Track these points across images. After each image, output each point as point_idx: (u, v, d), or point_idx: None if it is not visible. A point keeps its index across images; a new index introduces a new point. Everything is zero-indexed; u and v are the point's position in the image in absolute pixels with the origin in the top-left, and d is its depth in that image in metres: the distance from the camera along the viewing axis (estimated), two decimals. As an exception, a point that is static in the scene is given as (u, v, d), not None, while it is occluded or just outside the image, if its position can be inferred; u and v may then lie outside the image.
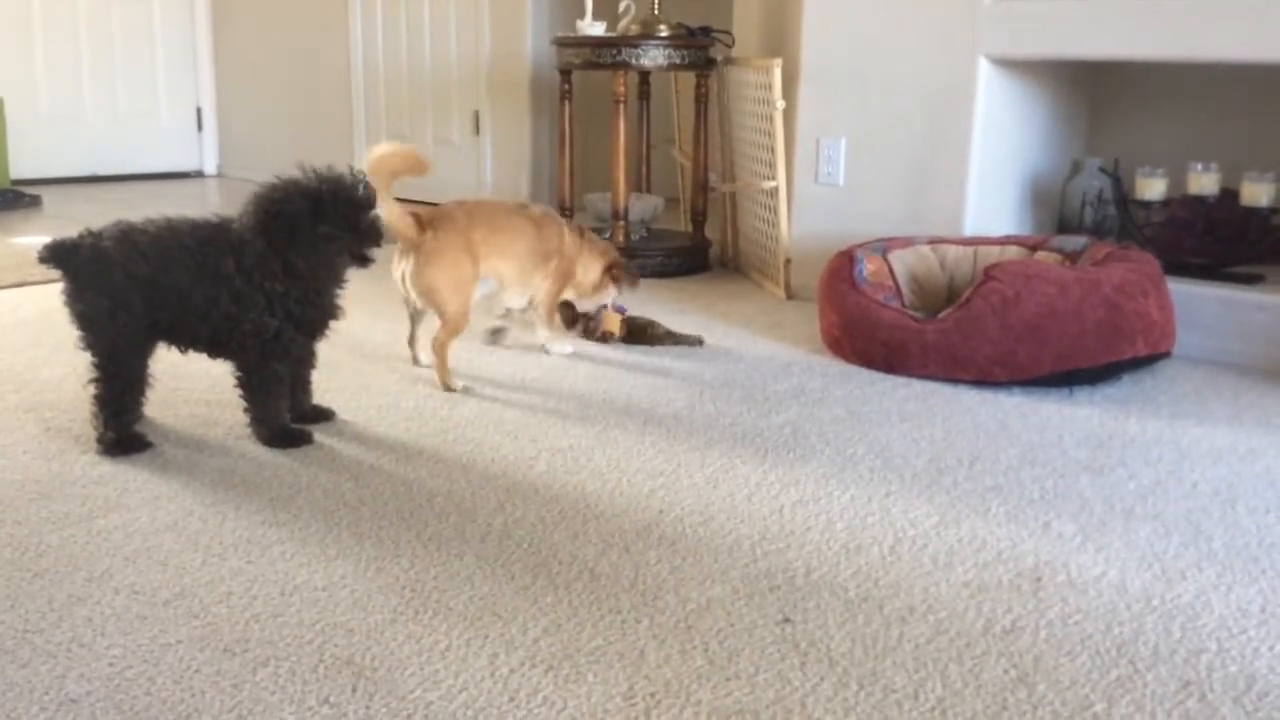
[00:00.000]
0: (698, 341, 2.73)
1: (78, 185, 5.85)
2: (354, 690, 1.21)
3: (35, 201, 5.04)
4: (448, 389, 2.34)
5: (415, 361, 2.52)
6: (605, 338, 2.72)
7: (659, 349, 2.69)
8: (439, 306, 2.36)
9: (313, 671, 1.25)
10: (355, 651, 1.29)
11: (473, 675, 1.24)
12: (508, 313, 2.67)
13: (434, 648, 1.30)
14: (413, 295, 2.38)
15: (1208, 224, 2.78)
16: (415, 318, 2.51)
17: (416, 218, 2.34)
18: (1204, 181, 2.78)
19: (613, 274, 2.66)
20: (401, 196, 2.30)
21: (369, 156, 2.23)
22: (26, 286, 3.28)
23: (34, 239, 4.13)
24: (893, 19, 3.05)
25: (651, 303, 3.21)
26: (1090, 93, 3.31)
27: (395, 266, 2.38)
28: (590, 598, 1.43)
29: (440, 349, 2.35)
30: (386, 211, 2.18)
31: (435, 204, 2.48)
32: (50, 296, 3.15)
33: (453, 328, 2.36)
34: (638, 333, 2.73)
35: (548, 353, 2.63)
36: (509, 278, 2.49)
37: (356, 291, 3.25)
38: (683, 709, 1.19)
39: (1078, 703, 1.21)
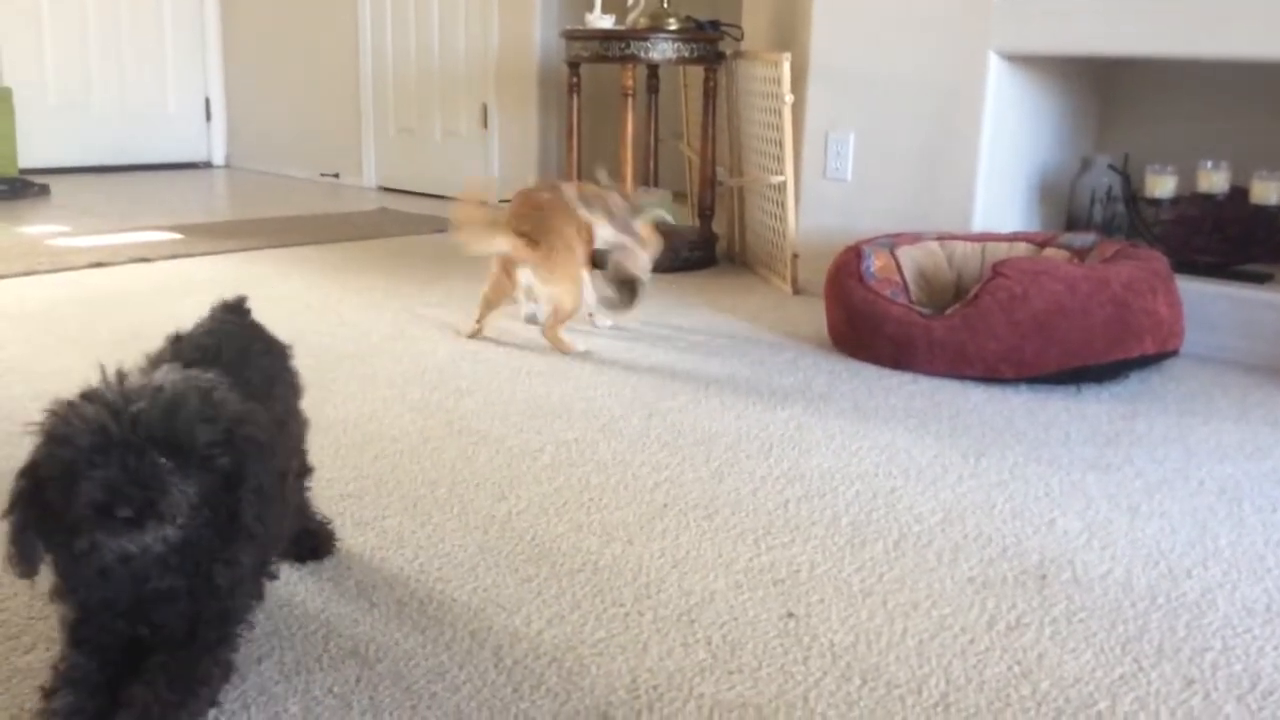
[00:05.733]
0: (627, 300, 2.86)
1: (86, 175, 5.86)
2: (359, 681, 1.21)
3: (44, 191, 5.06)
4: (568, 352, 2.59)
5: (475, 332, 2.68)
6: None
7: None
8: (562, 306, 2.60)
9: (316, 662, 1.25)
10: (359, 643, 1.29)
11: (477, 667, 1.25)
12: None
13: (439, 639, 1.30)
14: (543, 304, 2.60)
15: (1217, 222, 2.77)
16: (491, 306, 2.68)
17: (525, 238, 2.53)
18: (1214, 179, 2.77)
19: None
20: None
21: (461, 226, 2.48)
22: (34, 276, 3.29)
23: (42, 228, 4.14)
24: (903, 14, 3.04)
25: (658, 296, 3.21)
26: (1100, 89, 3.30)
27: (511, 280, 2.57)
28: (593, 589, 1.43)
29: (553, 334, 2.60)
30: (506, 246, 2.50)
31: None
32: (57, 286, 3.17)
33: (567, 317, 2.62)
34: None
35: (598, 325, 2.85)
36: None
37: (360, 284, 3.26)
38: (686, 702, 1.19)
39: (1081, 700, 1.21)
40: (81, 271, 3.36)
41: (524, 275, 2.55)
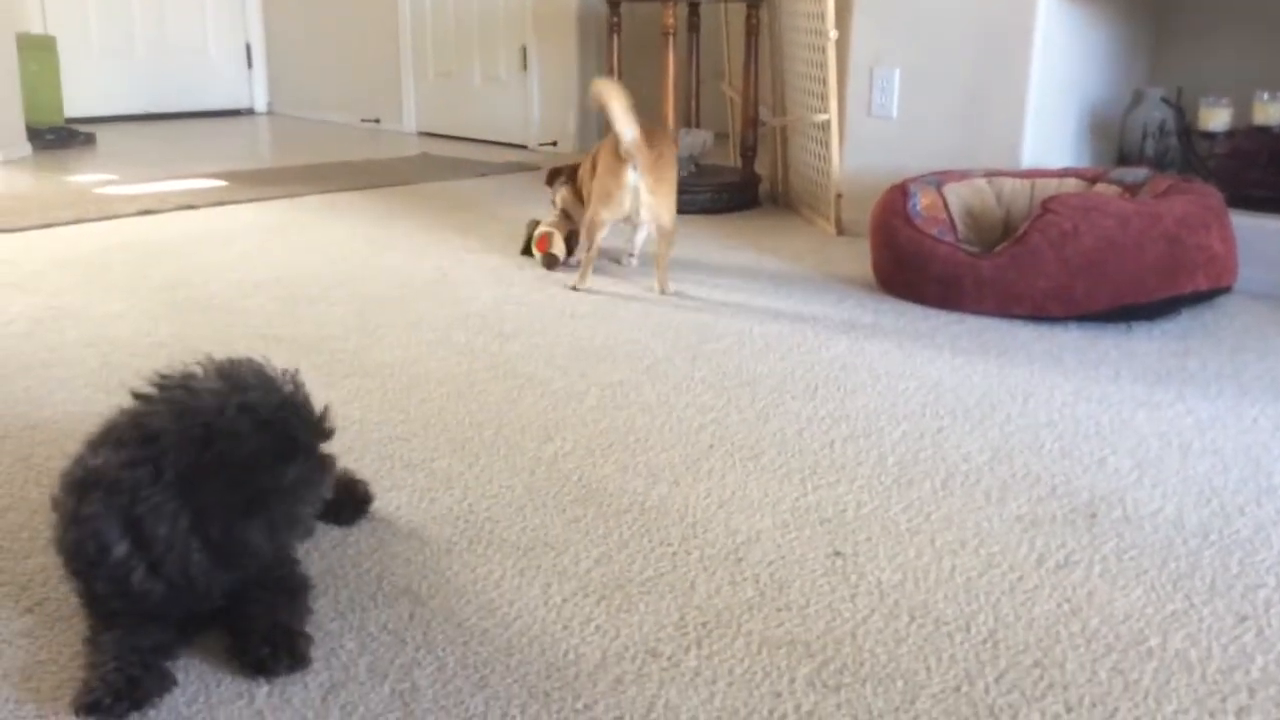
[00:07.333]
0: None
1: (130, 123, 5.90)
2: (412, 618, 1.23)
3: (89, 139, 5.10)
4: (665, 292, 2.60)
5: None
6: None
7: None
8: (664, 225, 2.57)
9: (371, 599, 1.27)
10: (412, 581, 1.31)
11: (527, 604, 1.26)
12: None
13: (488, 577, 1.32)
14: (651, 210, 2.53)
15: (1273, 155, 2.71)
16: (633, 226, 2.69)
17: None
18: (1270, 111, 2.70)
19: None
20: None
21: (604, 91, 2.44)
22: (83, 224, 3.33)
23: (89, 177, 4.18)
24: (949, -55, 2.97)
25: (699, 238, 3.19)
26: (1153, 20, 3.22)
27: (618, 181, 2.51)
28: (640, 529, 1.44)
29: (666, 263, 2.61)
30: (631, 130, 2.45)
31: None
32: (107, 234, 3.20)
33: (670, 237, 2.60)
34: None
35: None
36: None
37: (403, 229, 3.27)
38: (734, 639, 1.20)
39: (1131, 637, 1.20)
40: (129, 219, 3.40)
41: (632, 176, 2.49)
